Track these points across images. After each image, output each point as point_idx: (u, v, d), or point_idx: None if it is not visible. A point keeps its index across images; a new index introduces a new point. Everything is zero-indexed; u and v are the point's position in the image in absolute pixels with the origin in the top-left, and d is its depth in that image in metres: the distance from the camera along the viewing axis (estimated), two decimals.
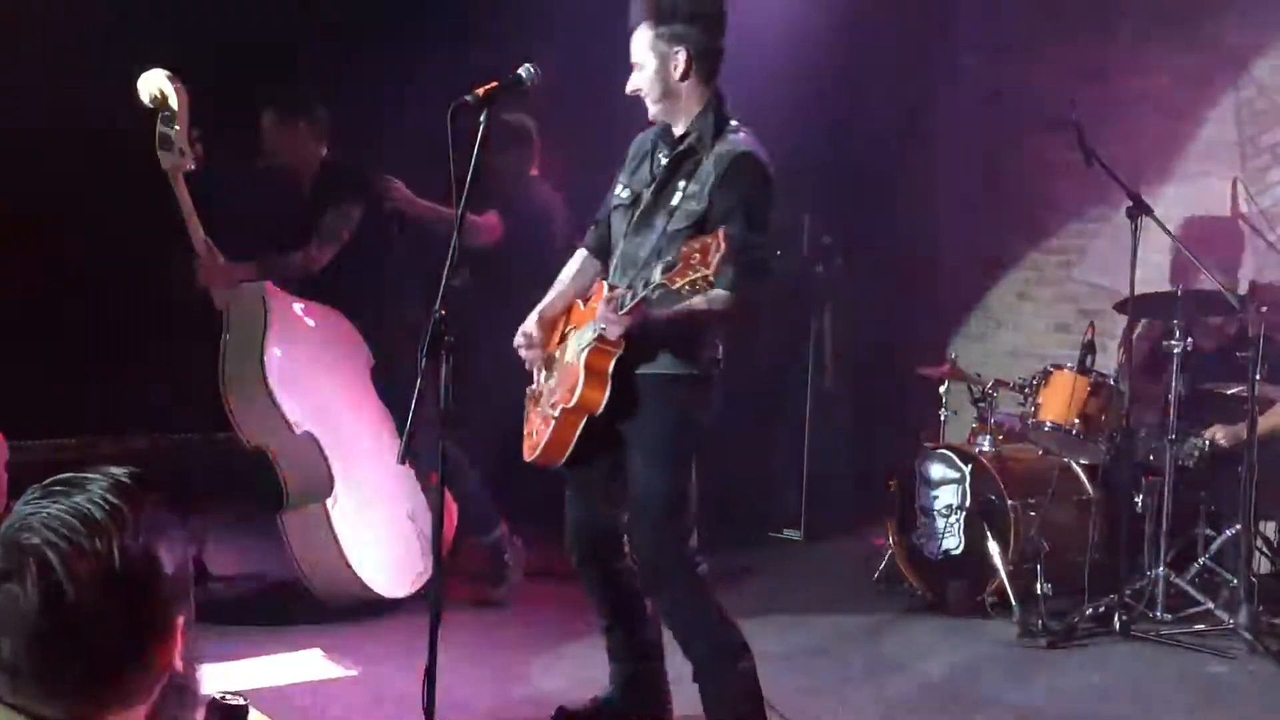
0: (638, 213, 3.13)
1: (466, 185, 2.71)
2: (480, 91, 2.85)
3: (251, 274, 4.17)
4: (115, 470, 1.20)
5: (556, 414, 3.04)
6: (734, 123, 3.09)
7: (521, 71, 2.94)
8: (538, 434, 3.14)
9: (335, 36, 5.43)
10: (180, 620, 1.21)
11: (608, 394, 2.98)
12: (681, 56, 3.03)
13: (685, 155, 3.09)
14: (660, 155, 3.15)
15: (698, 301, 2.87)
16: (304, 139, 4.42)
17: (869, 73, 6.78)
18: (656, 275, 2.75)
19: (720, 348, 3.16)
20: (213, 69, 4.56)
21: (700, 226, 2.96)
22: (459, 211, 2.75)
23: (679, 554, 3.07)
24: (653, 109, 3.11)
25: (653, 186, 3.12)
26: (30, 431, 4.26)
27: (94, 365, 5.24)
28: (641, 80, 3.08)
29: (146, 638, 1.17)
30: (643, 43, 3.06)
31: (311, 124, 4.42)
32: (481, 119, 2.79)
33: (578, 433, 3.05)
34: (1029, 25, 6.09)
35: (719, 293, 2.86)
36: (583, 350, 2.99)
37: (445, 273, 2.81)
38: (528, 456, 3.20)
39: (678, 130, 3.11)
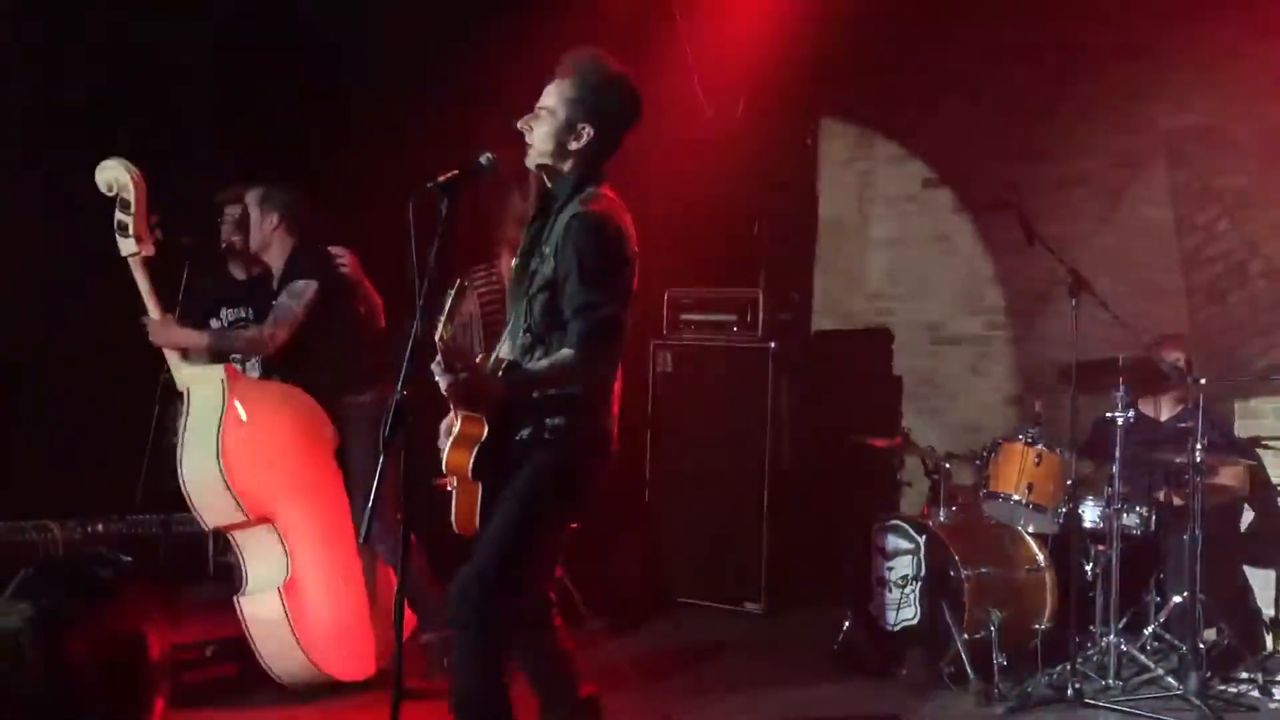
0: (515, 279, 3.21)
1: (430, 271, 2.80)
2: (441, 179, 2.95)
3: (203, 341, 4.20)
4: (107, 555, 1.25)
5: (455, 484, 3.12)
6: (592, 188, 3.08)
7: (482, 159, 3.04)
8: (454, 504, 3.20)
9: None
10: (160, 703, 1.25)
11: (471, 459, 3.02)
12: (587, 133, 3.09)
13: (543, 217, 3.14)
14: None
15: (541, 365, 2.99)
16: (280, 233, 4.44)
17: (823, 152, 7.00)
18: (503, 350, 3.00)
19: (605, 416, 3.12)
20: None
21: (551, 289, 3.03)
22: (421, 298, 2.83)
23: (490, 604, 3.02)
24: (535, 158, 3.13)
25: (520, 250, 3.20)
26: None
27: (53, 447, 5.21)
28: (540, 129, 3.10)
29: (133, 718, 1.21)
30: (561, 96, 3.10)
31: (289, 220, 4.44)
32: (443, 207, 2.88)
33: (478, 501, 3.08)
34: (972, 108, 6.31)
35: (565, 352, 2.98)
36: (457, 420, 3.08)
37: (407, 355, 2.88)
38: (455, 528, 3.21)
39: (548, 185, 3.17)
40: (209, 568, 5.26)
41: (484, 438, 3.03)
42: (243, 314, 4.59)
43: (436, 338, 2.88)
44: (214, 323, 4.62)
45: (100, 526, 5.08)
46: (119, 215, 3.99)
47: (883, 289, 6.77)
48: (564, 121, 3.09)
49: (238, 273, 4.53)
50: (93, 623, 1.15)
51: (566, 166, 3.12)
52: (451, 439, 3.09)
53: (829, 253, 7.01)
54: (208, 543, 4.79)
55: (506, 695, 3.10)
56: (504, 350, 3.20)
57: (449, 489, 3.19)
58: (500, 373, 3.04)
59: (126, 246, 4.00)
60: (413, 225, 2.81)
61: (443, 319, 2.88)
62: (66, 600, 1.14)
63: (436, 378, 2.98)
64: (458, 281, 2.92)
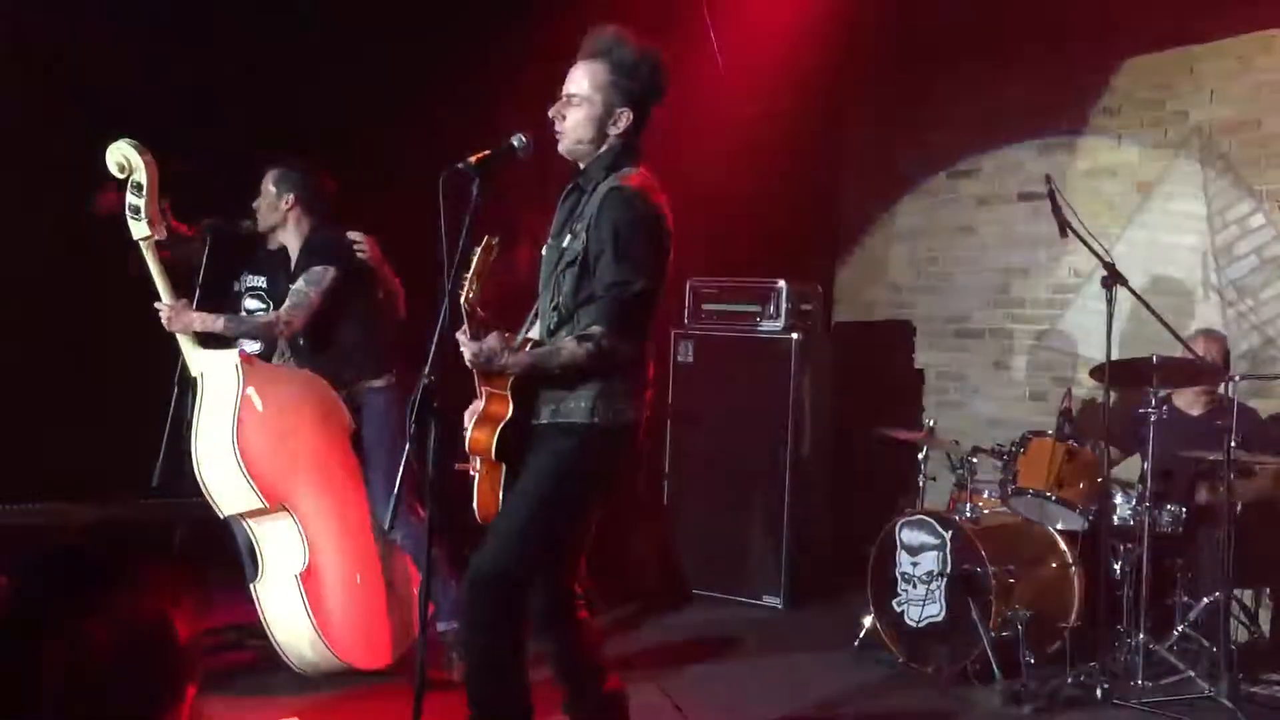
0: (546, 258, 3.14)
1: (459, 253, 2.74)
2: (473, 160, 2.89)
3: (217, 325, 4.14)
4: (130, 537, 1.20)
5: (479, 468, 3.06)
6: (629, 167, 3.03)
7: (514, 140, 2.97)
8: (476, 489, 3.13)
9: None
10: (192, 690, 1.20)
11: (495, 438, 2.95)
12: (626, 117, 3.03)
13: (578, 194, 3.08)
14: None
15: (567, 342, 2.92)
16: (295, 214, 4.38)
17: (848, 142, 6.93)
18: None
19: (635, 401, 3.04)
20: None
21: (583, 264, 2.95)
22: (450, 281, 2.77)
23: (505, 593, 2.96)
24: (570, 146, 3.06)
25: (553, 230, 3.13)
26: (2, 495, 4.20)
27: (69, 428, 5.18)
28: (575, 116, 3.03)
29: (161, 706, 1.16)
30: (595, 81, 3.02)
31: (306, 201, 4.38)
32: (474, 188, 2.82)
33: (501, 485, 3.02)
34: (1000, 98, 6.23)
35: (593, 329, 2.90)
36: (482, 398, 3.02)
37: (435, 338, 2.82)
38: (477, 516, 3.14)
39: (581, 166, 3.10)
40: (226, 553, 5.20)
41: (509, 417, 2.96)
42: (261, 282, 4.53)
43: (462, 299, 2.81)
44: (234, 285, 4.57)
45: (118, 510, 5.05)
46: (131, 198, 3.92)
47: (906, 281, 6.70)
48: (601, 108, 3.01)
49: (271, 243, 4.49)
50: (114, 607, 1.09)
51: (602, 149, 3.05)
52: (475, 418, 3.02)
53: (852, 243, 6.94)
54: (225, 528, 4.75)
55: (525, 692, 3.05)
56: (533, 332, 3.14)
57: (471, 474, 3.13)
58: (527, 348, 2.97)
59: (139, 230, 3.94)
60: (443, 207, 2.76)
61: (468, 278, 2.82)
62: (85, 584, 1.09)
63: (461, 346, 2.91)
64: (485, 239, 2.85)
